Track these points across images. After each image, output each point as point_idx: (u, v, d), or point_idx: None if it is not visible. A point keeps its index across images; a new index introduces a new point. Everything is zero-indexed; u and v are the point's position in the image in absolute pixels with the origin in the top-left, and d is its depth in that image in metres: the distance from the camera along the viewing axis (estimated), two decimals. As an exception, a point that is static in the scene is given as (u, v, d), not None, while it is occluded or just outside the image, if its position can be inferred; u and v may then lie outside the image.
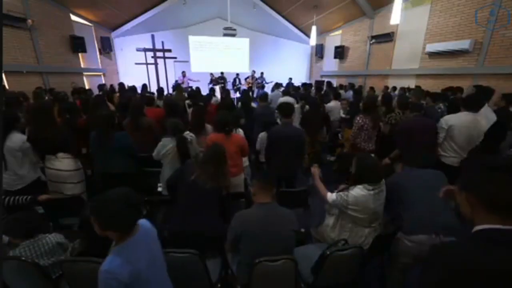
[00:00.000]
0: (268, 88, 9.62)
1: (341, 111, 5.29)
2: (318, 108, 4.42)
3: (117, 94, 6.33)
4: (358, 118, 3.30)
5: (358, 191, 1.83)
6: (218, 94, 7.62)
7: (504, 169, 1.91)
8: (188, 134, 2.77)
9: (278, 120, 3.51)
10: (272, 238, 1.61)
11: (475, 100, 2.86)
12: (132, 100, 3.98)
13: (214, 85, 10.10)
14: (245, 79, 11.52)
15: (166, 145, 2.62)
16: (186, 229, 1.88)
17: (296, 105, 4.89)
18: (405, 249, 1.81)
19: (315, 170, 2.25)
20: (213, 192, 1.93)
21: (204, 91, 7.70)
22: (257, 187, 1.71)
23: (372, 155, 2.81)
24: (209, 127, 3.15)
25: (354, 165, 1.90)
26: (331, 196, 1.97)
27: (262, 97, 4.62)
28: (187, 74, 10.80)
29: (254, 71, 11.61)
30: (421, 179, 1.92)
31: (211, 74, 11.19)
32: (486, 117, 3.24)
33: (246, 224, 1.63)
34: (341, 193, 1.91)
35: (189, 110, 4.71)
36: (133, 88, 6.44)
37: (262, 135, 3.38)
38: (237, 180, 2.67)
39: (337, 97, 5.58)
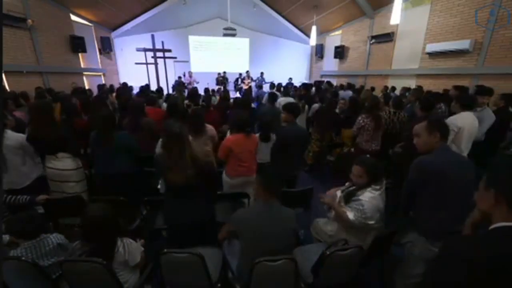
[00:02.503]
0: (266, 88, 9.59)
1: (337, 111, 5.26)
2: (332, 106, 4.42)
3: (114, 94, 6.36)
4: (359, 118, 3.33)
5: (368, 194, 1.78)
6: (217, 94, 7.63)
7: None
8: None
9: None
10: (271, 236, 1.58)
11: (473, 100, 2.86)
12: (132, 100, 3.96)
13: (217, 84, 10.18)
14: (242, 79, 11.54)
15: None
16: (179, 222, 1.88)
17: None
18: (427, 257, 1.54)
19: (330, 201, 2.05)
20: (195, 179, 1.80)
21: (202, 91, 7.70)
22: (260, 187, 1.64)
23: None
24: (209, 127, 3.12)
25: (362, 169, 1.83)
26: (349, 215, 1.80)
27: (270, 98, 4.53)
28: (193, 75, 11.02)
29: (247, 71, 11.62)
30: (461, 166, 1.56)
31: (219, 74, 11.32)
32: (487, 117, 3.25)
33: (245, 222, 1.64)
34: (352, 204, 1.82)
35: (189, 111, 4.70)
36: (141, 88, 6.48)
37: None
38: (253, 178, 2.67)
39: (335, 96, 5.57)
